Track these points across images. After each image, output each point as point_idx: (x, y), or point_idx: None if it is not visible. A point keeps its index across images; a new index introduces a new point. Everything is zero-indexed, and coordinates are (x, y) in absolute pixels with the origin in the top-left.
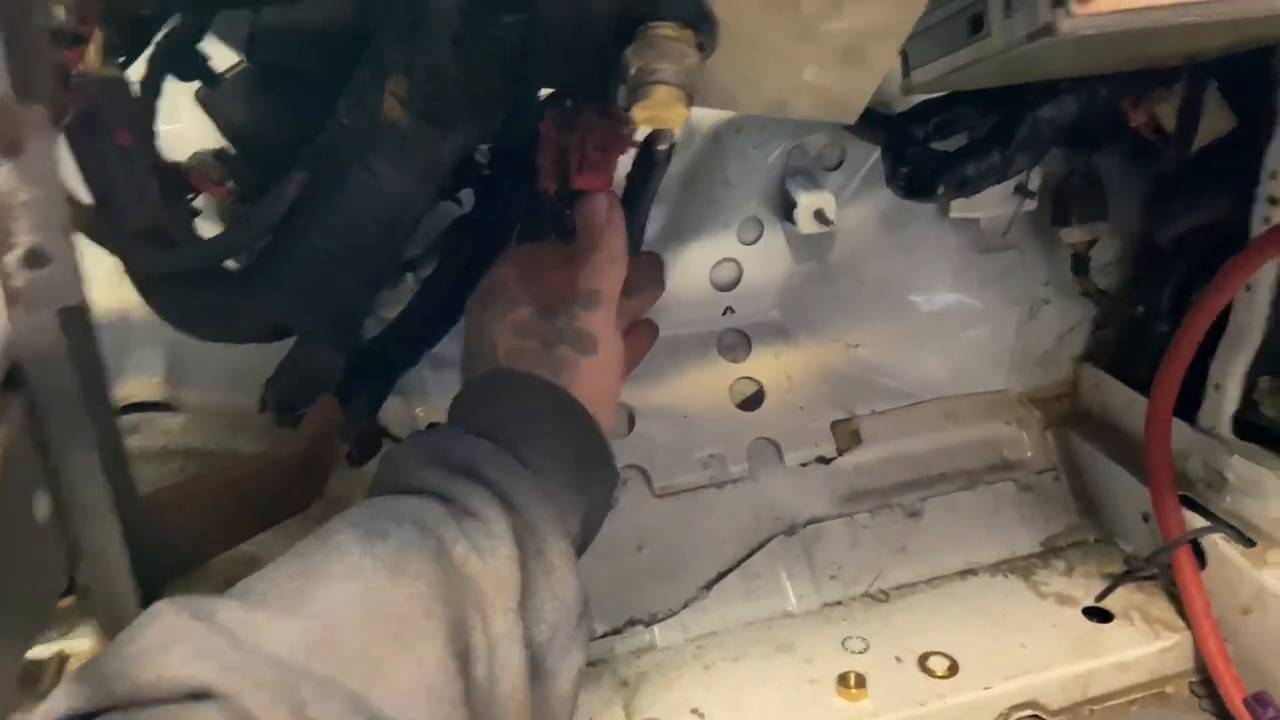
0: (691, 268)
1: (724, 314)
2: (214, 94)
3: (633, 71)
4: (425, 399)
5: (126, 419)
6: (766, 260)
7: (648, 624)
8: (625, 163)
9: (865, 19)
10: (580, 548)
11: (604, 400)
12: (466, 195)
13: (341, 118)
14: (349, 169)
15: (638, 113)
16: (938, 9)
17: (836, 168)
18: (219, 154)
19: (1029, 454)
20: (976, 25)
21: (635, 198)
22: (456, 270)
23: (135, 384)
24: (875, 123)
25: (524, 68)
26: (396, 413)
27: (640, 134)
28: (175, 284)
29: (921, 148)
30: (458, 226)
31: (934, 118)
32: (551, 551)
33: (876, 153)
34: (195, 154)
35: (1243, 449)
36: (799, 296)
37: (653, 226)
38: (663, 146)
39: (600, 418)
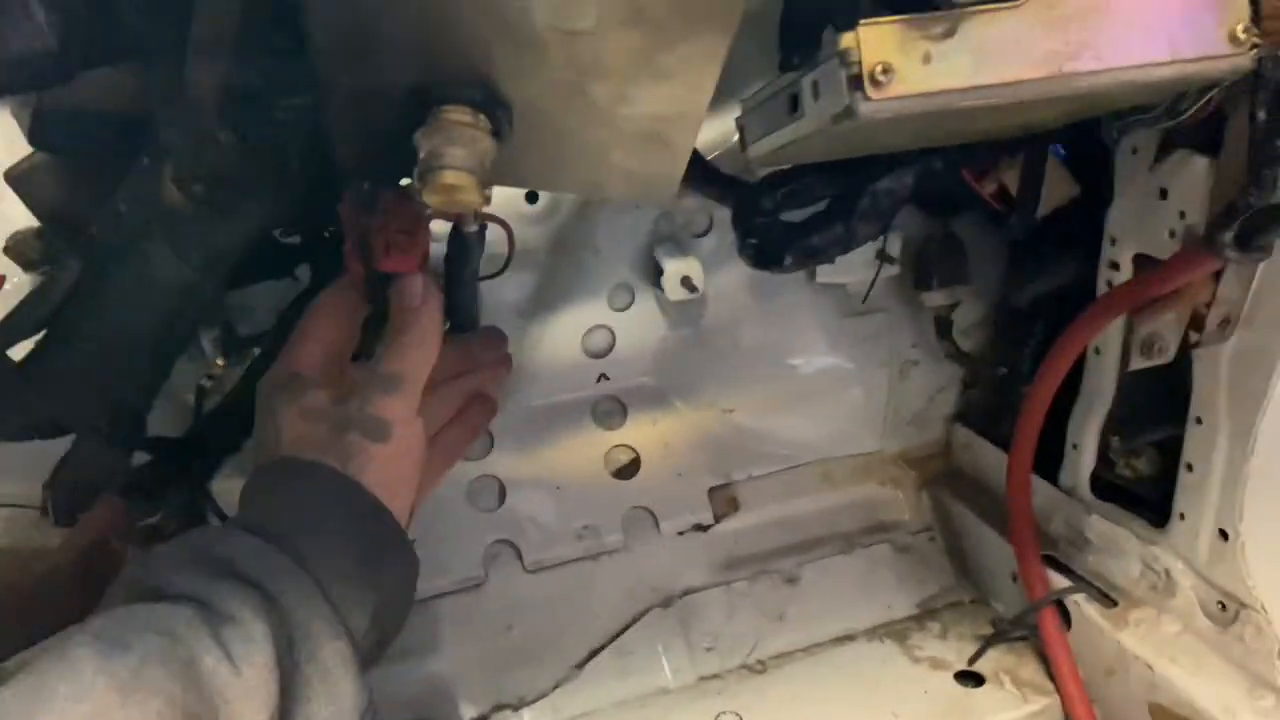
0: (563, 335)
1: (598, 381)
2: (23, 174)
3: (422, 155)
4: None
5: None
6: (639, 326)
7: (516, 708)
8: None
9: (656, 105)
10: (377, 644)
11: (399, 486)
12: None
13: (119, 204)
14: (124, 259)
15: (429, 197)
16: (766, 87)
17: (705, 234)
18: (39, 233)
19: (905, 515)
20: (793, 105)
21: (455, 279)
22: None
23: None
24: (727, 186)
25: (320, 149)
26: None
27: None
28: None
29: (769, 218)
30: (298, 303)
31: (781, 189)
32: (326, 653)
33: None
34: (15, 233)
35: (1101, 508)
36: (674, 362)
37: (521, 294)
38: (471, 228)
39: (395, 505)
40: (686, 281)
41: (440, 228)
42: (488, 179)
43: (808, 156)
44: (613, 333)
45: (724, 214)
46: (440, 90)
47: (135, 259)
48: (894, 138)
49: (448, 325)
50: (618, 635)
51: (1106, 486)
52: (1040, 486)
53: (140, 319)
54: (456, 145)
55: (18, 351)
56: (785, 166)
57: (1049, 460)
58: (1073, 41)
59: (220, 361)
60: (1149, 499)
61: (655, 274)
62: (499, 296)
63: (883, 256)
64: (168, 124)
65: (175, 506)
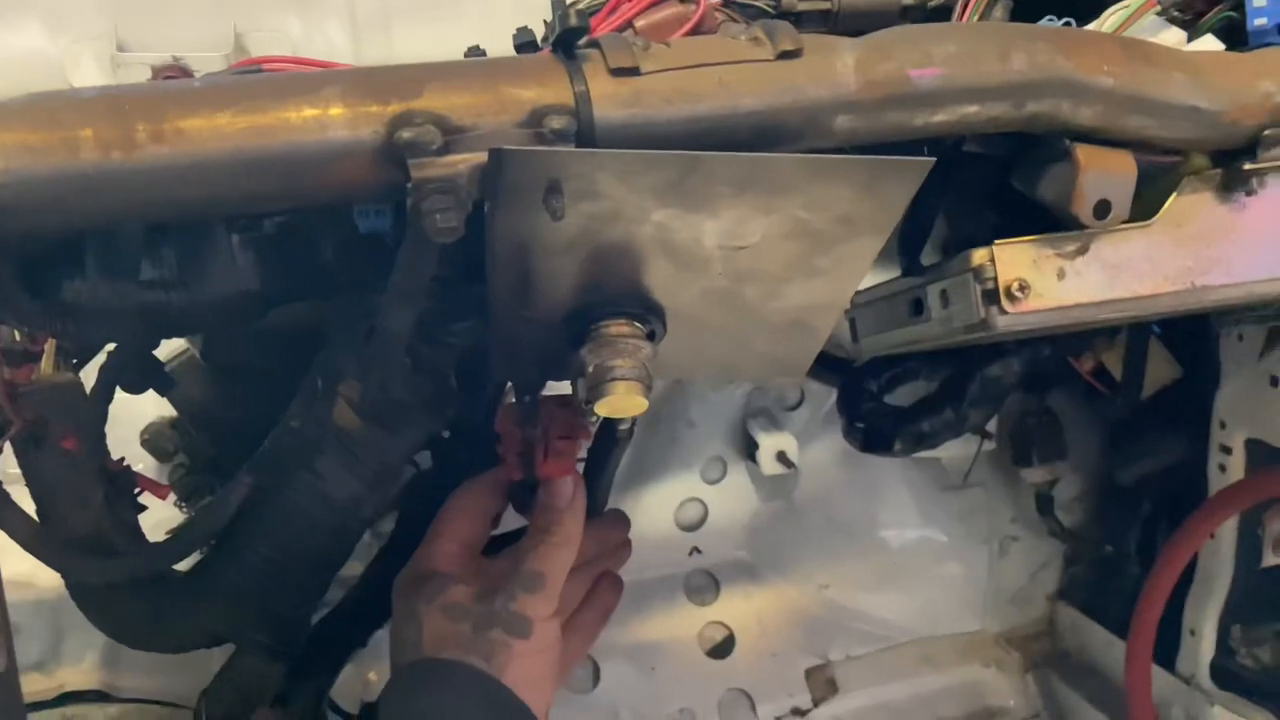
0: (655, 508)
1: (690, 554)
2: (178, 369)
3: (590, 369)
4: (377, 662)
5: (58, 711)
6: (732, 499)
7: None
8: None
9: (805, 298)
10: None
11: (539, 683)
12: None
13: (291, 421)
14: (296, 474)
15: (601, 409)
16: (881, 287)
17: (797, 407)
18: (175, 423)
19: (1011, 701)
20: (917, 309)
21: (597, 473)
22: (411, 538)
23: (70, 671)
24: (833, 368)
25: (478, 363)
26: (347, 679)
27: None
28: (111, 593)
29: (876, 403)
30: (414, 487)
31: (886, 373)
32: None
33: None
34: (150, 424)
35: (1223, 699)
36: (766, 536)
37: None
38: (624, 426)
39: (535, 701)
40: (782, 456)
41: None
42: (651, 385)
43: (917, 348)
44: (705, 506)
45: (816, 387)
46: (600, 309)
47: (308, 475)
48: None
49: None
50: None
51: (1228, 676)
52: (1157, 673)
53: (309, 533)
54: (622, 356)
55: (184, 563)
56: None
57: (1166, 647)
58: (1203, 257)
59: None
60: (1273, 690)
61: (748, 447)
62: None
63: (981, 432)
64: (345, 350)
65: (305, 709)
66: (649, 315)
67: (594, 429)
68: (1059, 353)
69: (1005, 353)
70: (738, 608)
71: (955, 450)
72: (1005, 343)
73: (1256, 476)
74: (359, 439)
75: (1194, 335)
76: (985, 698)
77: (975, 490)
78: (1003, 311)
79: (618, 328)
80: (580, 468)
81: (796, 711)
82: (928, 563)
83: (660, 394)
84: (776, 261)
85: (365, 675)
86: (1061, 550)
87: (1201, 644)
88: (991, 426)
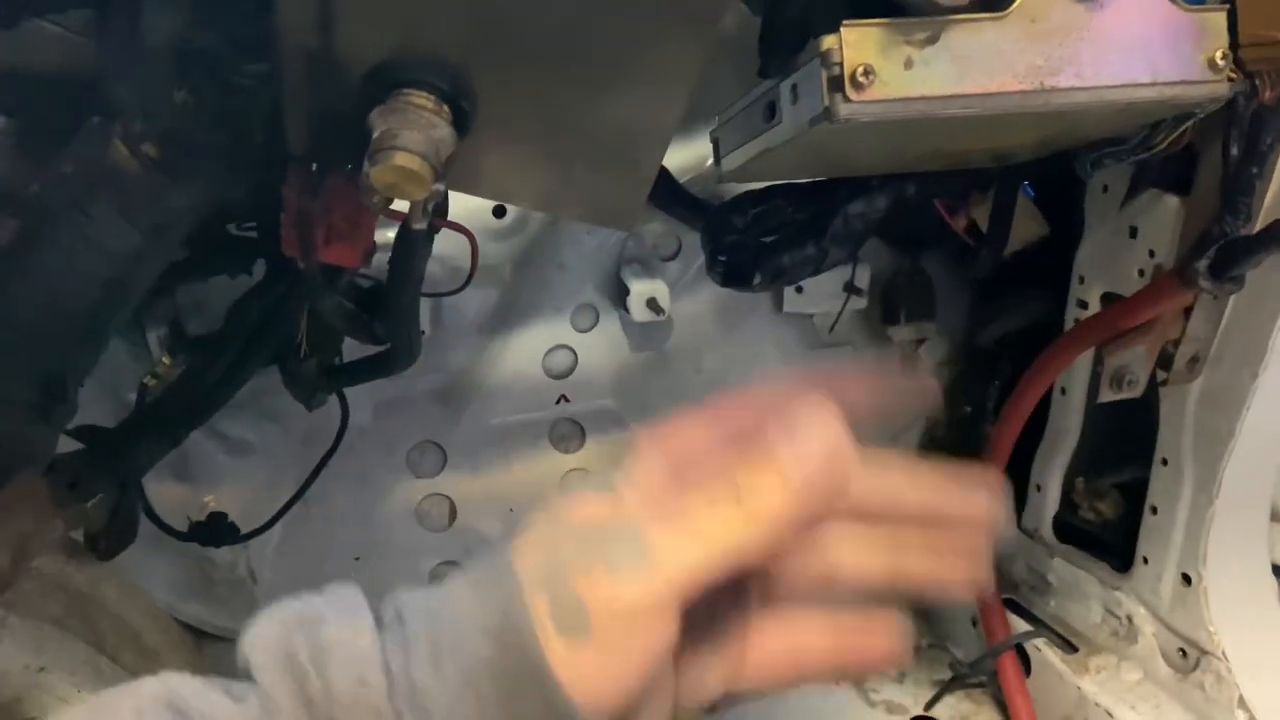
0: (524, 353)
1: (557, 402)
2: None
3: (376, 134)
4: (216, 485)
5: None
6: (602, 348)
7: None
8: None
9: (625, 116)
10: None
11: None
12: None
13: (63, 165)
14: (67, 219)
15: (374, 176)
16: (743, 99)
17: (673, 258)
18: None
19: None
20: (770, 113)
21: (398, 284)
22: (237, 344)
23: None
24: (699, 209)
25: (278, 124)
26: (179, 499)
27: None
28: None
29: (740, 237)
30: (248, 300)
31: (752, 209)
32: None
33: None
34: None
35: (1064, 552)
36: (635, 386)
37: (482, 309)
38: (419, 225)
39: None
40: (652, 303)
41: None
42: (440, 171)
43: (781, 173)
44: (575, 353)
45: (693, 238)
46: (404, 71)
47: (77, 220)
48: (868, 155)
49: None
50: None
51: (1070, 530)
52: None
53: (78, 285)
54: (413, 129)
55: None
56: (757, 187)
57: (1014, 503)
58: (1054, 57)
59: (166, 360)
60: (1112, 543)
61: (621, 295)
62: (460, 311)
63: (850, 288)
64: (119, 79)
65: (103, 499)
66: (459, 100)
67: (377, 212)
68: (923, 192)
69: (869, 190)
70: (602, 456)
71: (826, 307)
72: (869, 180)
73: (1102, 312)
74: (135, 183)
75: (1065, 194)
76: None
77: (844, 349)
78: (846, 99)
79: (420, 98)
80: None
81: None
82: None
83: (533, 236)
84: (593, 46)
85: (202, 499)
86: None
87: (1047, 499)
88: (863, 283)
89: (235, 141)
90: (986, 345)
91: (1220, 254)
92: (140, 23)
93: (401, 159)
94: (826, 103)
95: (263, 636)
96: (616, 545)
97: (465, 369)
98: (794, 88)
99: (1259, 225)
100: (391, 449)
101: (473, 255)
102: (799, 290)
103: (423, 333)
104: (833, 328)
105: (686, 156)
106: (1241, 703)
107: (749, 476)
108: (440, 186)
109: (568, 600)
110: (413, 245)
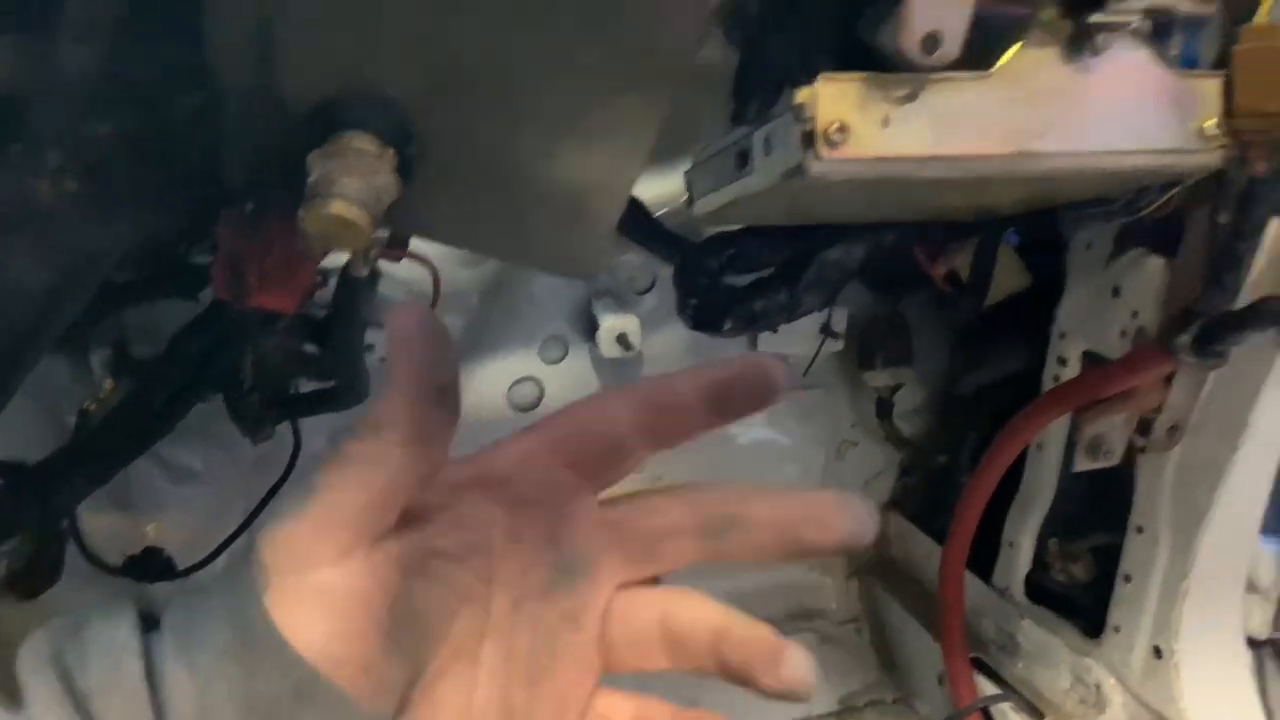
0: (488, 385)
1: None
2: None
3: (313, 178)
4: (159, 514)
5: None
6: (570, 382)
7: None
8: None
9: (583, 169)
10: None
11: None
12: None
13: None
14: None
15: (309, 223)
16: (714, 142)
17: (646, 292)
18: None
19: (832, 604)
20: (743, 161)
21: (339, 325)
22: (180, 373)
23: None
24: (674, 245)
25: (214, 161)
26: (117, 528)
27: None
28: None
29: (712, 280)
30: (194, 328)
31: (727, 250)
32: None
33: None
34: None
35: (1034, 613)
36: None
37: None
38: (360, 273)
39: None
40: (623, 339)
41: None
42: (379, 219)
43: (756, 219)
44: (541, 386)
45: (668, 273)
46: (347, 112)
47: None
48: (846, 205)
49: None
50: None
51: (1042, 591)
52: (974, 585)
53: None
54: (353, 175)
55: None
56: (733, 229)
57: (986, 559)
58: (1038, 120)
59: (109, 384)
60: (1084, 606)
61: (592, 328)
62: None
63: (827, 331)
64: (36, 110)
65: (25, 537)
66: (405, 144)
67: (315, 258)
68: (902, 241)
69: (846, 237)
70: None
71: (802, 349)
72: (848, 227)
73: (1082, 376)
74: (54, 219)
75: (1048, 246)
76: (806, 599)
77: (819, 392)
78: (818, 156)
79: (361, 142)
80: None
81: None
82: (766, 462)
83: (502, 265)
84: (547, 103)
85: (142, 529)
86: (898, 460)
87: (1018, 557)
88: (840, 327)
89: (166, 177)
90: (964, 395)
91: (1204, 330)
92: (59, 51)
93: (338, 207)
94: (799, 159)
95: (31, 648)
96: (291, 496)
97: None
98: (767, 139)
99: (1245, 300)
100: None
101: (435, 285)
102: (774, 330)
103: (383, 359)
104: (807, 370)
105: (665, 188)
106: None
107: (378, 406)
108: (382, 234)
109: (258, 561)
110: (354, 291)
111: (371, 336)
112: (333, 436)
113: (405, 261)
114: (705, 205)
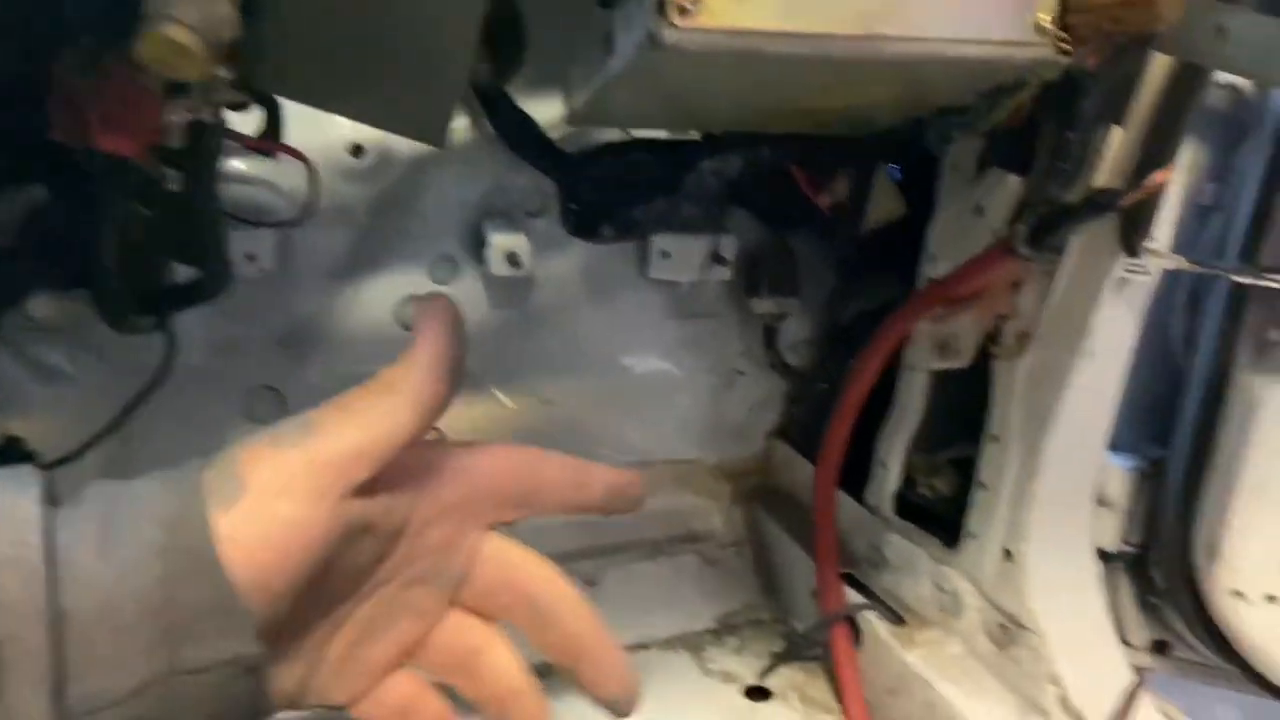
0: (375, 302)
1: None
2: None
3: (148, 3)
4: (26, 413)
5: None
6: (460, 303)
7: None
8: None
9: (424, 18)
10: None
11: None
12: None
13: None
14: None
15: (143, 48)
16: (590, 34)
17: (538, 214)
18: None
19: (717, 527)
20: (608, 45)
21: (189, 178)
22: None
23: None
24: (557, 160)
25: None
26: None
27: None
28: None
29: (594, 187)
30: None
31: (610, 161)
32: None
33: None
34: None
35: (900, 527)
36: (494, 345)
37: (333, 252)
38: (201, 114)
39: None
40: (512, 257)
41: None
42: (218, 51)
43: (628, 118)
44: None
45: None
46: None
47: None
48: (714, 103)
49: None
50: None
51: (910, 506)
52: (848, 505)
53: None
54: (188, 2)
55: None
56: (619, 141)
57: (864, 482)
58: (885, 3)
59: None
60: (947, 519)
61: (480, 249)
62: (309, 252)
63: (715, 257)
64: None
65: None
66: None
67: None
68: (779, 154)
69: (724, 150)
70: (455, 416)
71: (693, 276)
72: (727, 140)
73: (932, 283)
74: None
75: (926, 176)
76: (692, 523)
77: (708, 320)
78: (671, 25)
79: None
80: None
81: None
82: (657, 390)
83: (392, 181)
84: None
85: (5, 426)
86: (784, 389)
87: (889, 475)
88: (729, 254)
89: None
90: (844, 323)
91: (1040, 222)
92: None
93: (173, 31)
94: (651, 27)
95: None
96: (286, 425)
97: (312, 313)
98: (627, 16)
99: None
100: (227, 392)
101: (310, 183)
102: (665, 256)
103: (266, 270)
104: (693, 288)
105: (554, 111)
106: (1053, 677)
107: (394, 371)
108: (222, 72)
109: (229, 470)
110: (203, 139)
111: (251, 243)
112: (213, 349)
113: (282, 163)
114: (577, 98)
